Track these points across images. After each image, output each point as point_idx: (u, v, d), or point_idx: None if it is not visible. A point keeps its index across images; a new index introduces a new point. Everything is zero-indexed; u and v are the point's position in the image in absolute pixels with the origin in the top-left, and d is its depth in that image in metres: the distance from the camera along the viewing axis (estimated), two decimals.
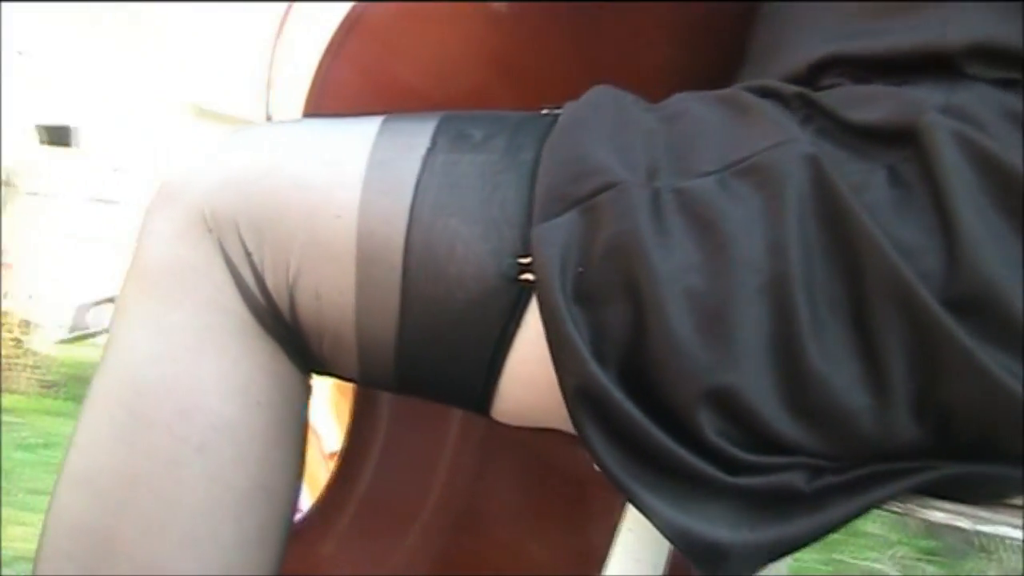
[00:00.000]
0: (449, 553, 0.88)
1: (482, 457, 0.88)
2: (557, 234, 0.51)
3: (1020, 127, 0.50)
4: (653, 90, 0.73)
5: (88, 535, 0.56)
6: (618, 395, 0.49)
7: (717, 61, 0.72)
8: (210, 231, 0.57)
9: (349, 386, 0.83)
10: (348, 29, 0.66)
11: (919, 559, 2.10)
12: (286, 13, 0.73)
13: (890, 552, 2.00)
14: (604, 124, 0.55)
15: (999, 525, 0.49)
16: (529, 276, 0.52)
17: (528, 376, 0.55)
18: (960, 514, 0.50)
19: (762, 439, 0.50)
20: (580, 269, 0.51)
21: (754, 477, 0.49)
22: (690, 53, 0.75)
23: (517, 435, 0.87)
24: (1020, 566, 2.36)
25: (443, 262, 0.54)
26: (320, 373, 0.61)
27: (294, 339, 0.58)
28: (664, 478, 0.50)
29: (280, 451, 0.59)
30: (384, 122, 0.59)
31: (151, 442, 0.56)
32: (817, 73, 0.56)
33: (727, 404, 0.49)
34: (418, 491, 0.86)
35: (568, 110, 0.57)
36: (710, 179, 0.51)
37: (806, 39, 0.58)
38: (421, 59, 0.72)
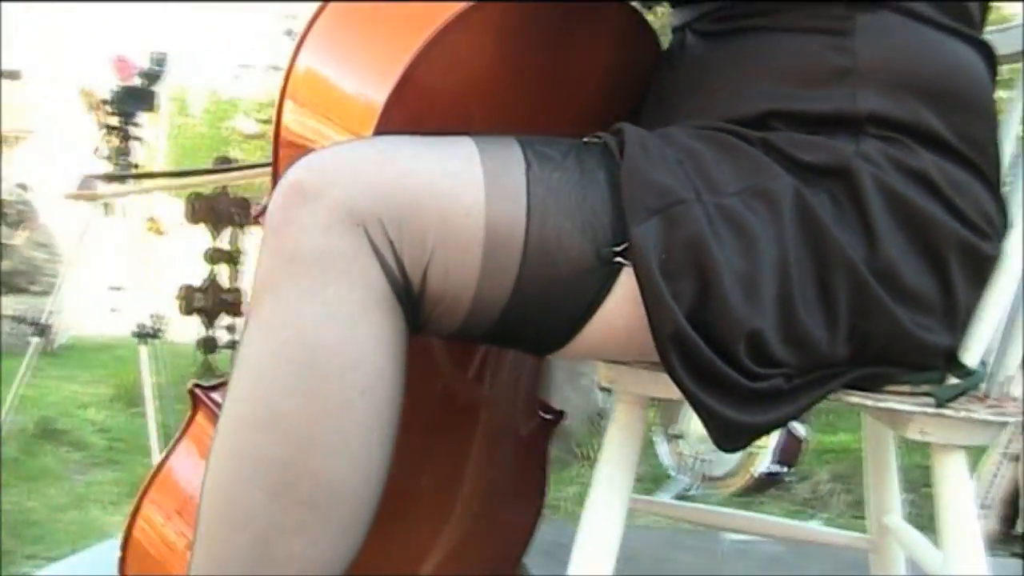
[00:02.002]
0: None
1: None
2: (648, 234, 0.72)
3: (899, 168, 0.79)
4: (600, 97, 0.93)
5: (277, 466, 0.68)
6: (696, 338, 0.72)
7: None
8: (357, 225, 0.69)
9: None
10: None
11: None
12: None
13: None
14: (654, 157, 0.76)
15: (889, 402, 0.80)
16: (621, 260, 0.73)
17: (610, 326, 0.75)
18: (866, 397, 0.80)
19: (766, 359, 0.75)
20: (663, 256, 0.72)
21: (761, 382, 0.75)
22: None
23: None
24: None
25: (552, 249, 0.72)
26: (419, 331, 0.75)
27: (415, 306, 0.72)
28: (712, 386, 0.74)
29: (403, 392, 0.73)
30: (478, 143, 0.75)
31: (326, 389, 0.68)
32: (760, 120, 0.81)
33: (753, 339, 0.74)
34: None
35: (623, 144, 0.77)
36: (736, 198, 0.75)
37: (749, 93, 0.83)
38: None
